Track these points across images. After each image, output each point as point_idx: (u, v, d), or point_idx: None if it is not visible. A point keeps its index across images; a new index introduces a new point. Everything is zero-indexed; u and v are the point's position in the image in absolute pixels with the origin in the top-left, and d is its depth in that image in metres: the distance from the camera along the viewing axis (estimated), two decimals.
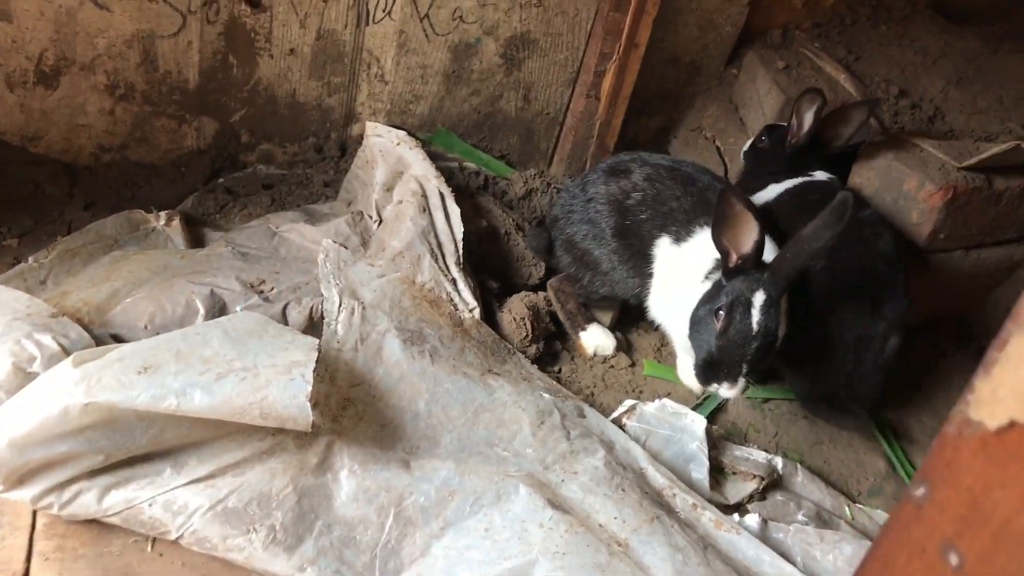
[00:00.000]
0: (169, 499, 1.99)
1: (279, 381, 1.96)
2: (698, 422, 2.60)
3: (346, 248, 2.67)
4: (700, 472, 2.52)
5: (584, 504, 2.23)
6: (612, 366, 2.89)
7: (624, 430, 2.55)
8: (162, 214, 2.77)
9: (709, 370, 2.45)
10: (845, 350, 2.71)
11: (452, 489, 2.17)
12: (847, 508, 2.66)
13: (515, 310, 2.78)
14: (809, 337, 2.70)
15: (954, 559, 0.74)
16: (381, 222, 2.82)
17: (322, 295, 2.49)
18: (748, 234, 2.36)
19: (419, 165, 2.86)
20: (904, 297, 2.72)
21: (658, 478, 2.40)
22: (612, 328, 2.97)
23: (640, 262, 2.77)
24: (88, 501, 1.95)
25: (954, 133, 3.41)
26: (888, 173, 3.05)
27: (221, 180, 3.07)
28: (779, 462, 2.67)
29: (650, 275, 2.76)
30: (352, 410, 2.26)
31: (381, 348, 2.40)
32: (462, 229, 2.77)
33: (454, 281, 2.69)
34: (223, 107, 2.97)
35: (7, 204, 2.74)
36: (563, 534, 2.09)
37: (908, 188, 2.98)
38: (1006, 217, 3.13)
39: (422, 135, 3.23)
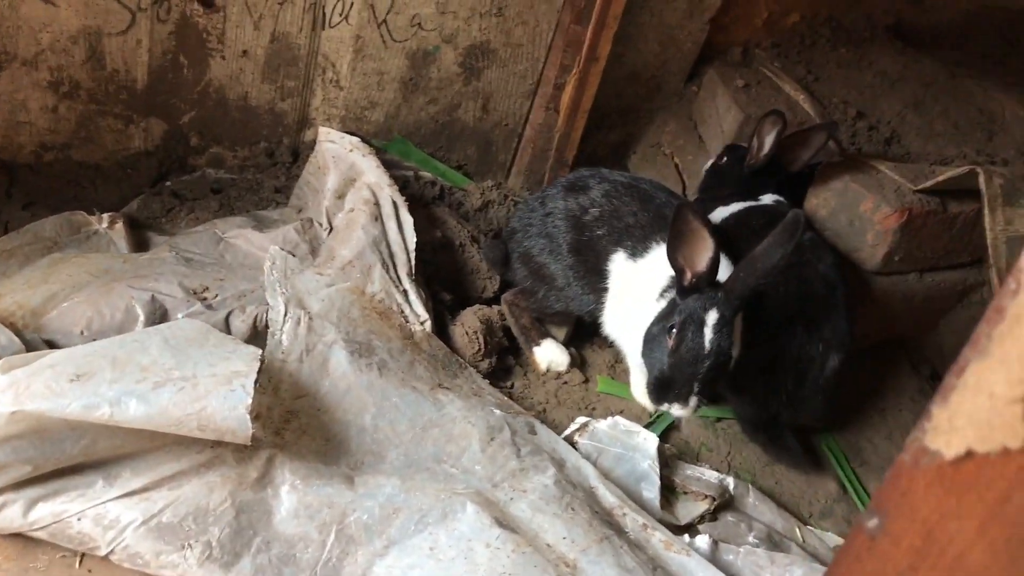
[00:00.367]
0: (100, 513, 1.91)
1: (219, 392, 1.89)
2: (650, 440, 2.57)
3: (294, 256, 2.60)
4: (651, 491, 2.49)
5: (533, 523, 2.18)
6: (565, 382, 2.85)
7: (576, 447, 2.51)
8: (105, 216, 2.69)
9: (661, 389, 2.41)
10: (785, 372, 2.72)
11: (397, 506, 2.11)
12: (798, 530, 2.64)
13: (468, 323, 2.73)
14: (749, 360, 2.71)
15: None
16: (331, 230, 2.75)
17: (267, 304, 2.42)
18: (703, 252, 2.34)
19: (372, 173, 2.81)
20: (844, 319, 2.73)
21: (609, 497, 2.36)
22: (566, 344, 2.94)
23: (595, 278, 2.74)
24: (13, 514, 1.87)
25: (910, 156, 3.43)
26: (844, 194, 3.05)
27: (168, 183, 2.99)
28: (731, 482, 2.64)
29: (605, 291, 2.73)
30: (295, 423, 2.20)
31: (327, 360, 2.34)
32: (415, 239, 2.72)
33: (405, 292, 2.63)
34: (172, 108, 2.89)
35: None
36: (510, 554, 2.04)
37: (864, 210, 2.99)
38: (960, 241, 3.15)
39: (378, 143, 3.17)
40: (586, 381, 2.88)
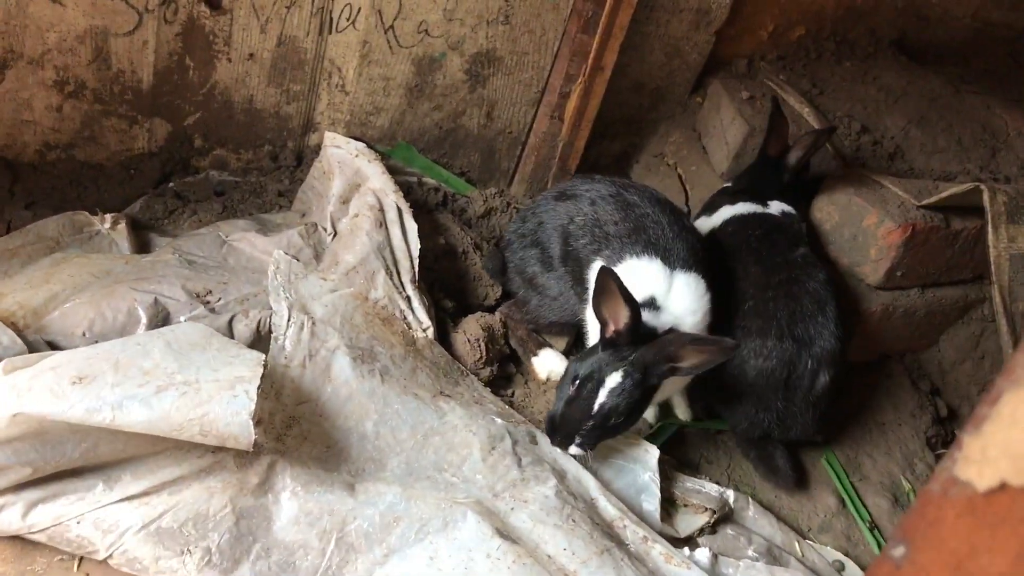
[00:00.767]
0: (99, 517, 1.90)
1: (221, 397, 1.88)
2: (651, 452, 2.56)
3: (298, 260, 2.59)
4: (651, 504, 2.48)
5: (533, 534, 2.17)
6: None
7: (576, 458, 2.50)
8: (107, 217, 2.67)
9: (549, 427, 2.41)
10: (774, 389, 2.73)
11: (397, 515, 2.10)
12: (797, 544, 2.63)
13: (470, 331, 2.72)
14: (739, 377, 2.71)
15: None
16: (335, 235, 2.74)
17: (271, 308, 2.40)
18: (623, 313, 2.31)
19: (377, 178, 2.80)
20: (835, 336, 2.74)
21: (609, 509, 2.36)
22: (567, 353, 2.92)
23: (580, 288, 2.73)
24: (12, 516, 1.86)
25: (914, 172, 3.43)
26: (848, 208, 3.05)
27: (171, 184, 2.97)
28: (731, 495, 2.64)
29: (587, 300, 2.71)
30: (297, 429, 2.18)
31: (330, 365, 2.33)
32: (419, 246, 2.71)
33: (408, 299, 2.62)
34: (177, 110, 2.88)
35: None
36: (511, 565, 2.03)
37: (868, 224, 2.99)
38: (962, 257, 3.16)
39: (382, 148, 3.16)
40: None
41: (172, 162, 2.98)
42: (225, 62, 2.83)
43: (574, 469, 2.43)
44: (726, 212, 3.02)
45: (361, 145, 2.91)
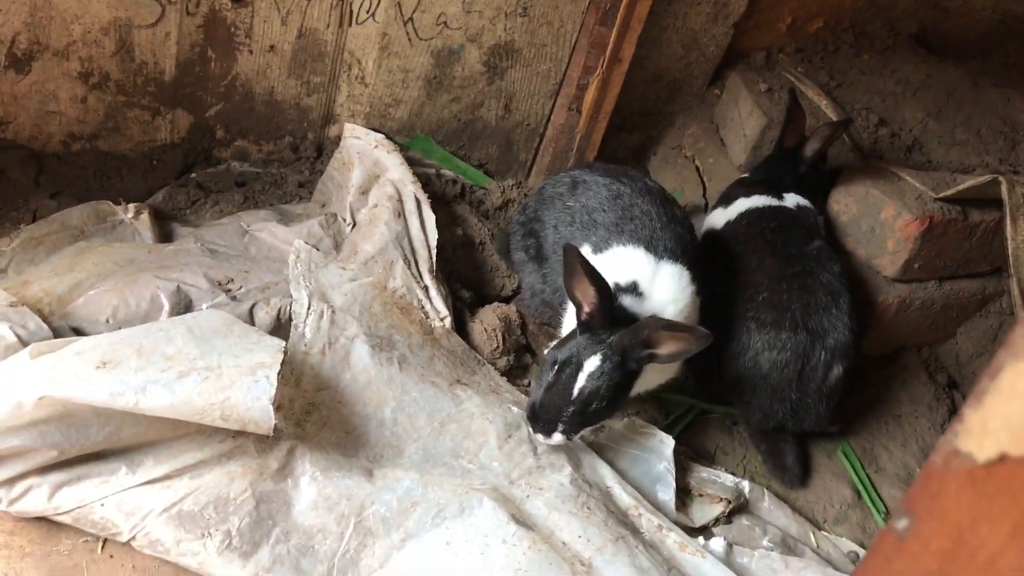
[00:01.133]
0: (122, 499, 1.94)
1: (243, 382, 1.91)
2: (666, 442, 2.57)
3: (318, 250, 2.62)
4: (666, 493, 2.50)
5: (548, 521, 2.19)
6: None
7: (591, 447, 2.52)
8: (131, 207, 2.71)
9: (531, 416, 2.35)
10: (788, 381, 2.73)
11: (415, 500, 2.13)
12: (812, 535, 2.64)
13: (486, 321, 2.75)
14: (753, 369, 2.72)
15: None
16: (355, 225, 2.77)
17: (291, 296, 2.44)
18: (592, 293, 2.27)
19: (396, 169, 2.82)
20: (849, 328, 2.74)
21: (624, 497, 2.38)
22: None
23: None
24: (38, 498, 1.90)
25: (932, 164, 3.42)
26: (866, 200, 3.05)
27: (193, 175, 3.01)
28: (746, 486, 2.65)
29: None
30: (316, 415, 2.21)
31: (349, 353, 2.36)
32: (436, 236, 2.73)
33: (426, 288, 2.65)
34: (199, 101, 2.92)
35: None
36: (526, 551, 2.06)
37: (885, 216, 2.99)
38: (980, 250, 3.15)
39: (400, 140, 3.19)
40: None
41: (194, 153, 3.01)
42: (246, 54, 2.86)
43: (589, 458, 2.45)
44: (741, 205, 3.03)
45: (380, 136, 2.93)
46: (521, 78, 3.28)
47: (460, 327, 2.72)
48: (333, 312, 2.42)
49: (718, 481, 2.63)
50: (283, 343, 2.07)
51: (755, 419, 2.83)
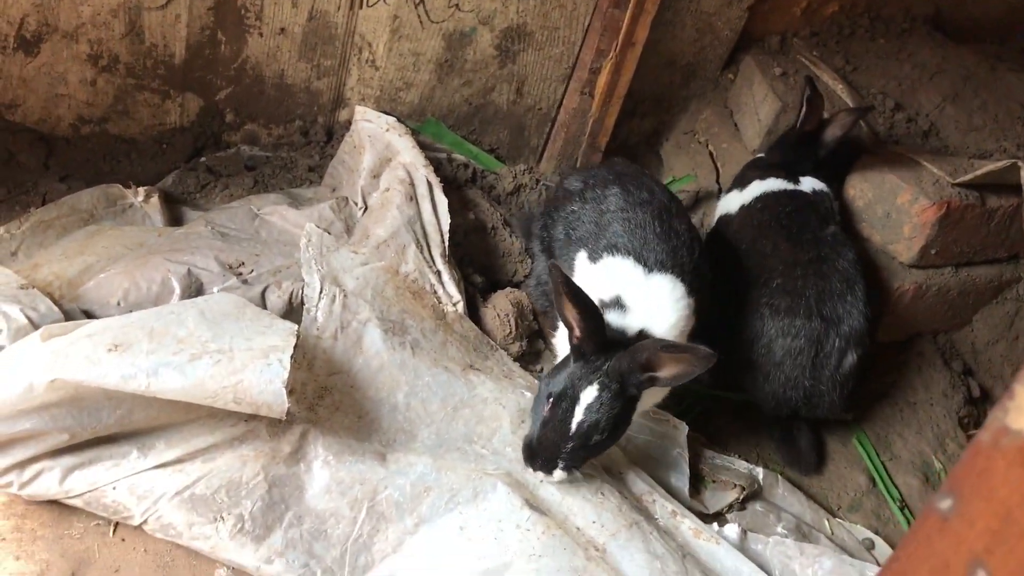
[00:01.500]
0: (134, 483, 1.93)
1: (255, 365, 1.89)
2: (680, 428, 2.56)
3: (329, 234, 2.60)
4: (680, 479, 2.48)
5: (562, 506, 2.18)
6: None
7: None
8: (140, 190, 2.70)
9: (528, 454, 2.21)
10: (801, 368, 2.71)
11: (428, 485, 2.11)
12: (827, 522, 2.62)
13: (499, 306, 2.73)
14: (767, 356, 2.70)
15: None
16: (366, 209, 2.75)
17: (303, 280, 2.42)
18: (574, 314, 2.15)
19: (408, 152, 2.80)
20: (863, 315, 2.72)
21: (638, 483, 2.36)
22: None
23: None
24: (50, 481, 1.89)
25: (949, 149, 3.39)
26: (882, 185, 3.02)
27: (203, 159, 2.99)
28: (760, 472, 2.63)
29: None
30: (329, 399, 2.20)
31: (361, 337, 2.34)
32: (449, 220, 2.71)
33: (439, 273, 2.63)
34: (209, 84, 2.89)
35: None
36: (540, 536, 2.04)
37: (901, 202, 2.96)
38: (997, 235, 3.12)
39: (411, 124, 3.16)
40: None
41: (204, 136, 2.99)
42: (256, 37, 2.83)
43: None
44: (756, 188, 3.00)
45: (392, 119, 2.91)
46: (533, 62, 3.25)
47: (472, 312, 2.70)
48: (345, 296, 2.40)
49: (732, 467, 2.62)
50: (295, 327, 2.05)
51: (769, 406, 2.81)
